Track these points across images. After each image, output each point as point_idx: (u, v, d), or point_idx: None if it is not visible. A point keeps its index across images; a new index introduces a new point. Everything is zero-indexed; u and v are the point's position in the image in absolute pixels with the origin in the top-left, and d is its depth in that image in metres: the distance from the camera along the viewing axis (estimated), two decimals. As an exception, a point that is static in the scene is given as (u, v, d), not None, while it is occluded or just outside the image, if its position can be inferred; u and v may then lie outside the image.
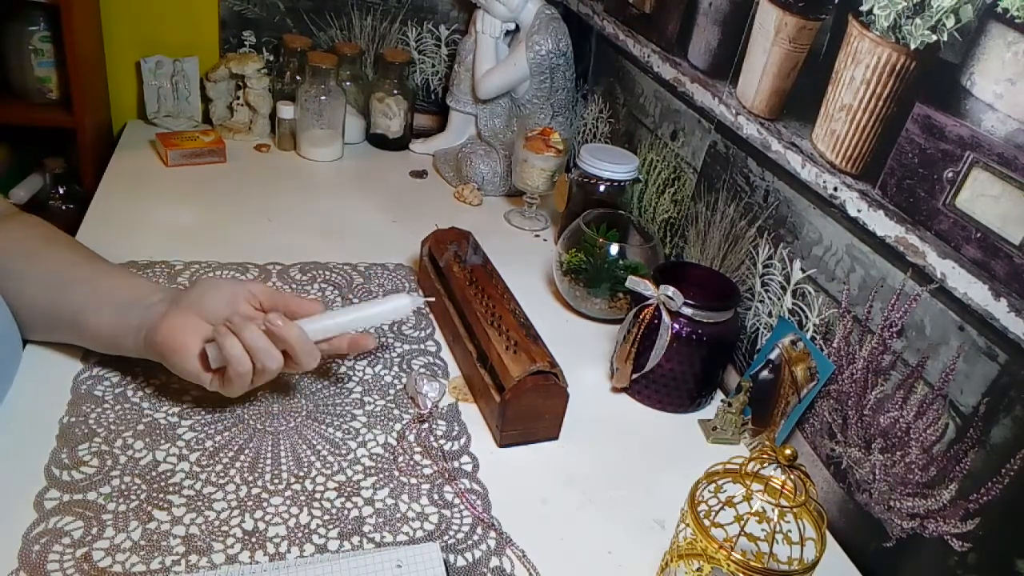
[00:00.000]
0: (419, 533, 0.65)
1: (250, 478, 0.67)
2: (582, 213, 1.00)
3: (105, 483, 0.64)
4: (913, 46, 0.68)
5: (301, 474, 0.68)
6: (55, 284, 0.71)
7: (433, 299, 0.76)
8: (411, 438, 0.75)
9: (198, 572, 0.58)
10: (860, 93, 0.73)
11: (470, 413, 0.80)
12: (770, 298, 0.86)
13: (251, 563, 0.60)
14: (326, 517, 0.65)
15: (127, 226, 1.02)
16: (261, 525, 0.63)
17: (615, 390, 0.88)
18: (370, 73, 1.42)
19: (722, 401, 0.85)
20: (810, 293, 0.80)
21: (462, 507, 0.68)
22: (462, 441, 0.76)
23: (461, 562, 0.63)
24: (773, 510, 0.54)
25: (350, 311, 0.74)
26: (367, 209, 1.18)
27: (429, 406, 0.78)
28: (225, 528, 0.62)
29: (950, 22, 0.64)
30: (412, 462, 0.72)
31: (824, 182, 0.78)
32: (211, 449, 0.69)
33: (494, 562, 0.64)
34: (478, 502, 0.69)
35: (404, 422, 0.77)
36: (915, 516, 0.66)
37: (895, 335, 0.69)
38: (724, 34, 0.95)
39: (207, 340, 0.67)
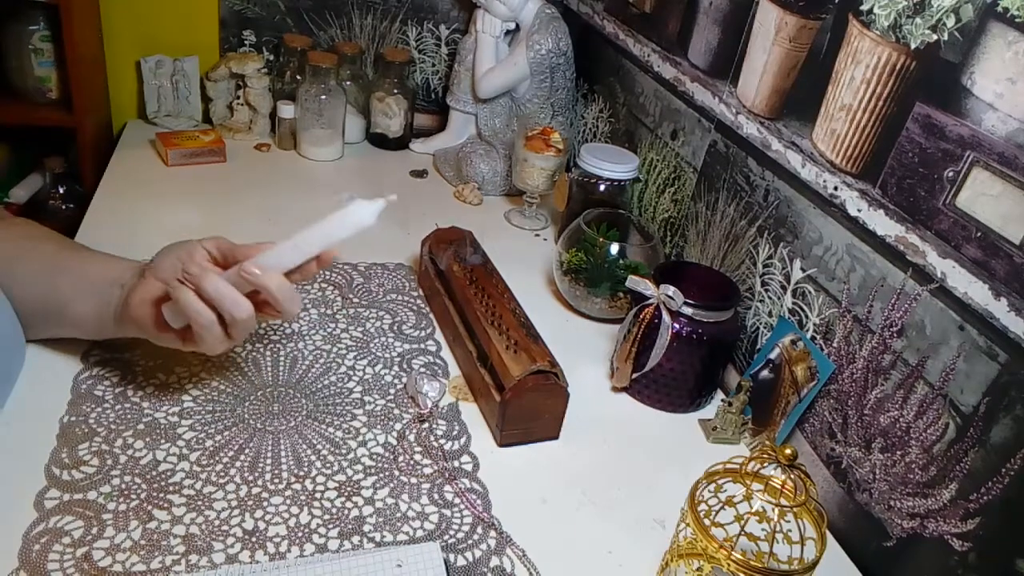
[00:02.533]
0: (419, 533, 0.65)
1: (250, 478, 0.67)
2: (582, 213, 1.00)
3: (105, 483, 0.64)
4: (913, 45, 0.67)
5: (301, 474, 0.68)
6: (41, 279, 0.71)
7: (395, 197, 0.69)
8: (411, 438, 0.75)
9: (198, 572, 0.58)
10: (860, 92, 0.73)
11: (470, 413, 0.80)
12: (770, 298, 0.86)
13: (251, 563, 0.60)
14: (326, 517, 0.65)
15: (127, 226, 1.01)
16: (261, 525, 0.63)
17: (615, 390, 0.88)
18: (370, 72, 1.42)
19: (722, 401, 0.85)
20: (810, 293, 0.80)
21: (462, 507, 0.68)
22: (462, 441, 0.76)
23: (461, 562, 0.63)
24: (773, 510, 0.54)
25: (311, 233, 0.68)
26: (367, 209, 1.18)
27: (429, 406, 0.78)
28: (225, 528, 0.62)
29: (950, 21, 0.64)
30: (412, 462, 0.72)
31: (824, 181, 0.78)
32: (211, 449, 0.69)
33: (494, 562, 0.64)
34: (478, 502, 0.69)
35: (404, 422, 0.77)
36: (915, 516, 0.66)
37: (895, 335, 0.69)
38: (724, 33, 0.95)
39: (161, 300, 0.65)
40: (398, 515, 0.66)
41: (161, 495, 0.64)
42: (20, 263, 0.71)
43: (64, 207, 1.25)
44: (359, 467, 0.70)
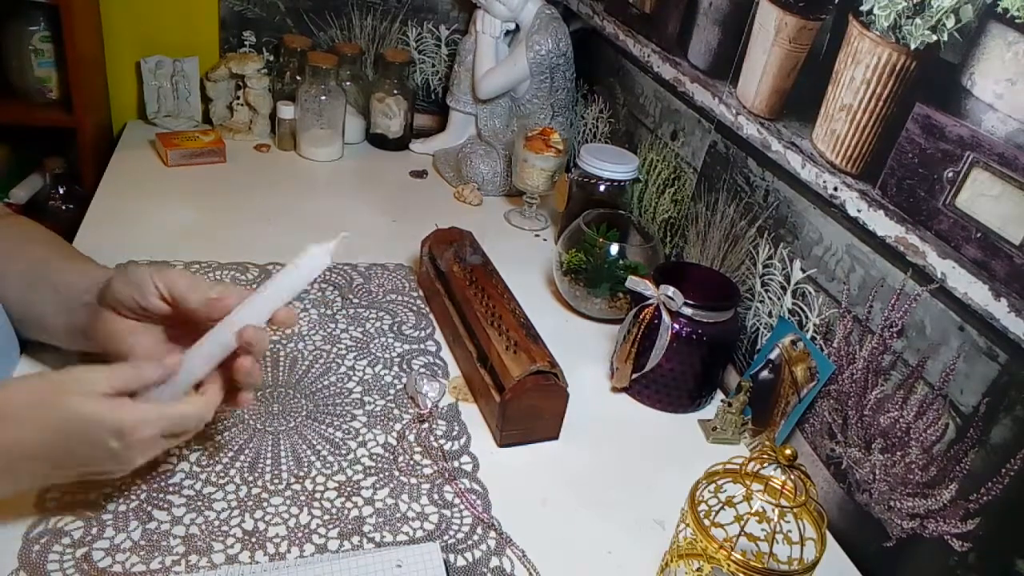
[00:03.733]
0: (419, 533, 0.65)
1: (250, 478, 0.67)
2: (582, 213, 1.00)
3: (105, 483, 0.64)
4: (913, 46, 0.68)
5: (301, 474, 0.68)
6: (24, 286, 0.69)
7: (347, 234, 0.66)
8: (411, 438, 0.75)
9: (198, 572, 0.58)
10: (860, 93, 0.73)
11: (470, 413, 0.80)
12: (770, 298, 0.86)
13: (251, 563, 0.60)
14: (326, 517, 0.65)
15: (127, 226, 1.01)
16: (261, 525, 0.63)
17: (615, 390, 0.88)
18: (370, 73, 1.42)
19: (722, 401, 0.85)
20: (810, 293, 0.80)
21: (462, 507, 0.68)
22: (462, 441, 0.76)
23: (461, 562, 0.63)
24: (773, 510, 0.54)
25: (270, 288, 0.63)
26: (367, 209, 1.18)
27: (429, 406, 0.78)
28: (225, 528, 0.62)
29: (950, 22, 0.64)
30: (412, 462, 0.72)
31: (824, 182, 0.78)
32: (211, 449, 0.69)
33: (494, 562, 0.64)
34: (478, 502, 0.69)
35: (404, 422, 0.77)
36: (915, 516, 0.66)
37: (895, 335, 0.69)
38: (724, 34, 0.95)
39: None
40: (398, 515, 0.66)
41: (161, 495, 0.64)
42: (9, 263, 0.71)
43: (64, 207, 1.25)
44: (359, 467, 0.70)
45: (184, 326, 0.64)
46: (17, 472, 0.55)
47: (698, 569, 0.56)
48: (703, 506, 0.57)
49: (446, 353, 0.88)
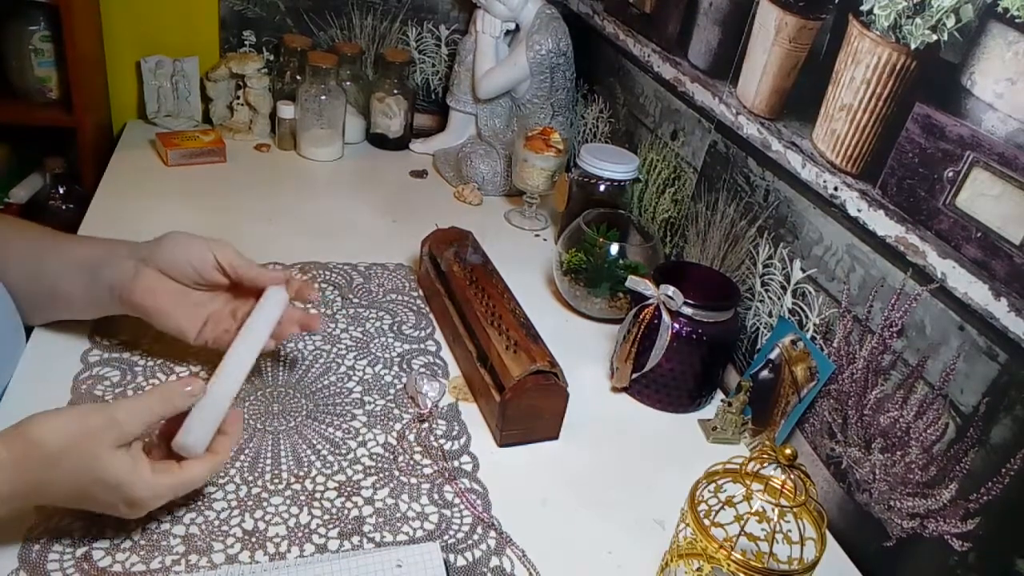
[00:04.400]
0: (419, 533, 0.65)
1: (250, 478, 0.67)
2: (582, 213, 1.00)
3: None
4: (913, 46, 0.68)
5: (301, 474, 0.68)
6: (29, 263, 0.71)
7: (297, 272, 0.72)
8: (411, 438, 0.75)
9: (198, 572, 0.58)
10: (860, 93, 0.73)
11: (470, 413, 0.80)
12: (770, 298, 0.86)
13: (251, 563, 0.60)
14: (326, 517, 0.65)
15: (127, 226, 1.01)
16: (261, 525, 0.63)
17: (615, 390, 0.88)
18: (370, 73, 1.42)
19: (722, 401, 0.85)
20: (810, 293, 0.80)
21: (462, 507, 0.68)
22: (462, 441, 0.76)
23: (461, 562, 0.63)
24: (773, 510, 0.54)
25: (251, 333, 0.69)
26: (367, 209, 1.18)
27: (429, 406, 0.78)
28: (225, 528, 0.62)
29: (950, 22, 0.64)
30: (412, 462, 0.72)
31: (824, 182, 0.78)
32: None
33: (494, 562, 0.64)
34: (478, 502, 0.69)
35: (404, 422, 0.77)
36: (915, 516, 0.66)
37: (895, 335, 0.69)
38: (724, 34, 0.95)
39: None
40: (398, 515, 0.66)
41: (161, 495, 0.63)
42: (7, 248, 0.71)
43: (64, 207, 1.25)
44: (359, 467, 0.70)
45: (234, 291, 0.75)
46: (36, 504, 0.59)
47: (698, 569, 0.56)
48: (703, 506, 0.57)
49: (446, 353, 0.88)
